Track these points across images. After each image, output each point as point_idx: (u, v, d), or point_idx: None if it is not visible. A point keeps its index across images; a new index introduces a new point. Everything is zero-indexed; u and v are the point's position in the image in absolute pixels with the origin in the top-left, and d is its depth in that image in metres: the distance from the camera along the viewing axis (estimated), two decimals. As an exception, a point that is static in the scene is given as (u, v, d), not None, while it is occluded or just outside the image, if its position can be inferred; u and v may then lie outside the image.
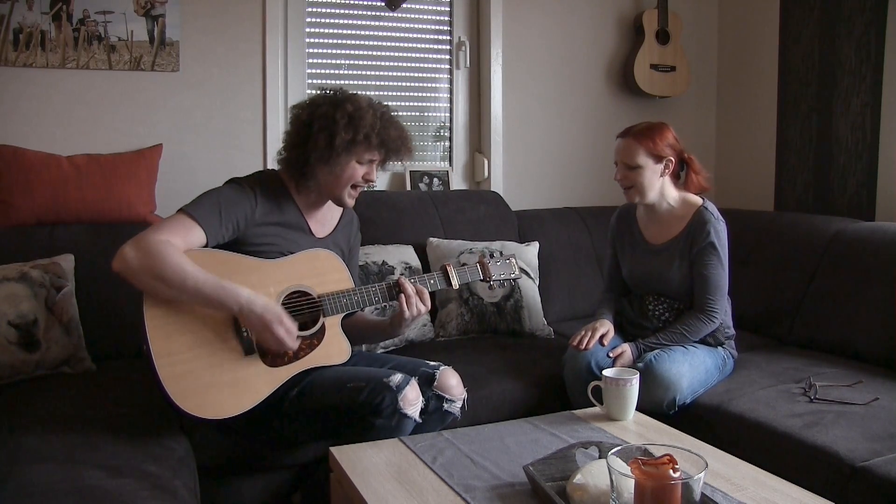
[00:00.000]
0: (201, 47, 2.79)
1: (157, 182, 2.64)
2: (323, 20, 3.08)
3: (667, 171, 2.26)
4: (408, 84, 3.25)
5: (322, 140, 1.88)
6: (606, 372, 1.87)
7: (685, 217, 2.28)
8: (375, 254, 2.60)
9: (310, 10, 3.04)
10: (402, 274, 2.49)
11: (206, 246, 1.80)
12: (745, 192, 3.48)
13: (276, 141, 2.75)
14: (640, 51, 3.34)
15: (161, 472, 1.57)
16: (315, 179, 1.94)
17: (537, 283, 2.78)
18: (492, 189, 3.26)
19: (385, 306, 2.43)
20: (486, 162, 3.29)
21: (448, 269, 2.02)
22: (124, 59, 2.68)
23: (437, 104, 3.32)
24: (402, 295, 1.92)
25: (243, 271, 1.81)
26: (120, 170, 2.54)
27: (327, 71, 3.10)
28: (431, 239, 2.78)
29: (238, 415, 1.74)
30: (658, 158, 2.23)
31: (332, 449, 1.67)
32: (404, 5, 3.12)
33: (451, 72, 3.30)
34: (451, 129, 3.33)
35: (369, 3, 3.12)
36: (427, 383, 1.88)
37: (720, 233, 2.24)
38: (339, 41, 3.12)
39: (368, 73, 3.17)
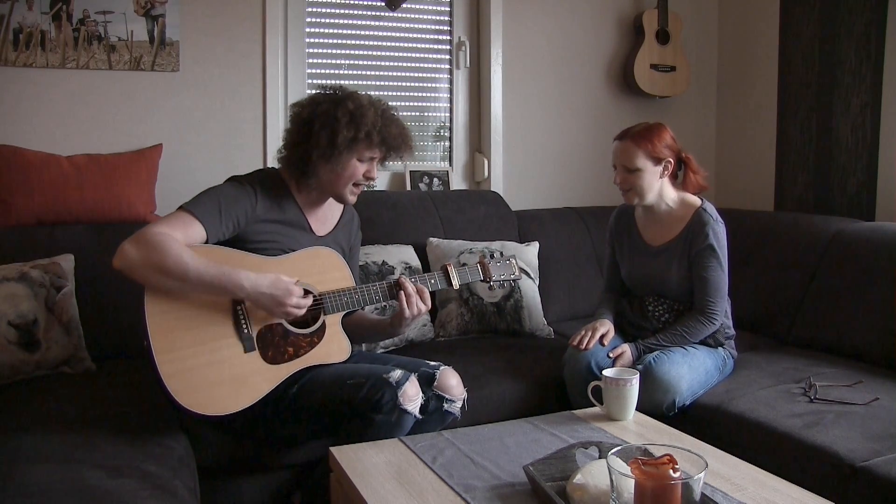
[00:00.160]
0: (201, 47, 2.79)
1: (157, 182, 2.64)
2: (323, 20, 3.08)
3: (666, 172, 2.25)
4: (408, 84, 3.25)
5: (324, 138, 1.88)
6: (606, 372, 1.87)
7: (684, 218, 2.28)
8: (375, 254, 2.59)
9: (310, 9, 3.04)
10: (402, 274, 2.49)
11: (206, 243, 1.80)
12: (745, 191, 3.48)
13: (276, 140, 2.75)
14: (640, 51, 3.34)
15: (161, 471, 1.56)
16: (316, 177, 1.95)
17: (537, 283, 2.78)
18: (492, 189, 3.26)
19: (385, 305, 2.42)
20: (486, 162, 3.29)
21: (449, 268, 2.02)
22: (124, 59, 2.68)
23: (437, 104, 3.31)
24: (403, 294, 1.92)
25: (245, 268, 1.80)
26: (120, 170, 2.54)
27: (327, 71, 3.10)
28: (431, 239, 2.78)
29: (237, 413, 1.74)
30: (657, 160, 2.23)
31: (332, 449, 1.67)
32: (404, 5, 3.12)
33: (451, 72, 3.30)
34: (451, 128, 3.33)
35: (369, 3, 3.12)
36: (427, 383, 1.88)
37: (719, 234, 2.23)
38: (339, 41, 3.12)
39: (368, 72, 3.17)
